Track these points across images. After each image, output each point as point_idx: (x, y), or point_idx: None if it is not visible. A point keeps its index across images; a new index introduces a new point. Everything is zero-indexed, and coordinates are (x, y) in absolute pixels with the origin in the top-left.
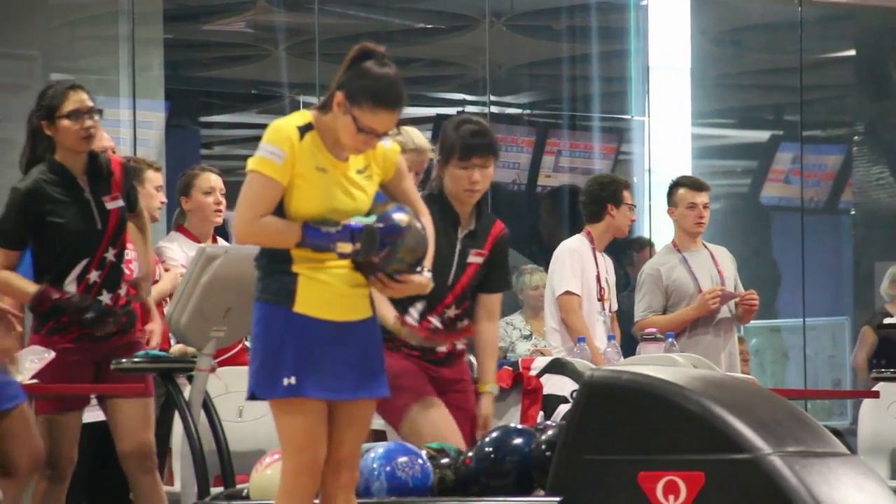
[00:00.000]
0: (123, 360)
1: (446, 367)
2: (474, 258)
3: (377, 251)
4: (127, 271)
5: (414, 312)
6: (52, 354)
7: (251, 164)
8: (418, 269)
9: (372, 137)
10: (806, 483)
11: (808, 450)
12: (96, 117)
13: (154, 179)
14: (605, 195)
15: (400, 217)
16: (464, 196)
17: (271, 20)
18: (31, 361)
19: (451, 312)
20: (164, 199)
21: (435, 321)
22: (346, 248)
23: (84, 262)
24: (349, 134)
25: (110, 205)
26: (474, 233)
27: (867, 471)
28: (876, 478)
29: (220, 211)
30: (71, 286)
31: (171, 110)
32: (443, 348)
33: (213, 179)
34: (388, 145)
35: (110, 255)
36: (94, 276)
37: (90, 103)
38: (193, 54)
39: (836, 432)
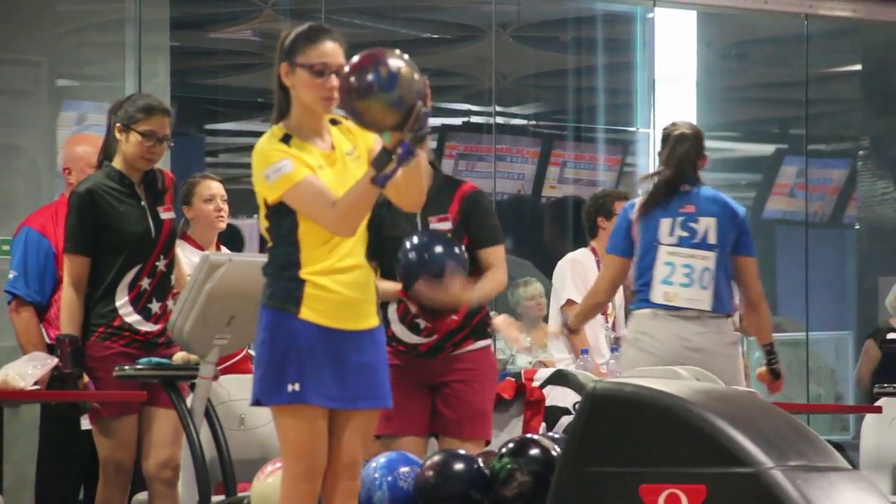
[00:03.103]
0: (126, 367)
1: (434, 359)
2: (437, 225)
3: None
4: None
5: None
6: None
7: (279, 187)
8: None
9: (329, 78)
10: (808, 497)
11: (810, 464)
12: (165, 145)
13: None
14: (593, 210)
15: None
16: None
17: (277, 29)
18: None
19: None
20: None
21: (412, 307)
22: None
23: (137, 269)
24: (311, 87)
25: (164, 215)
26: (430, 200)
27: (869, 486)
28: (878, 493)
29: (221, 217)
30: (123, 292)
31: (176, 118)
32: (426, 340)
33: (214, 186)
34: None
35: (161, 264)
36: (145, 283)
37: (167, 131)
38: (199, 62)
39: (838, 447)
